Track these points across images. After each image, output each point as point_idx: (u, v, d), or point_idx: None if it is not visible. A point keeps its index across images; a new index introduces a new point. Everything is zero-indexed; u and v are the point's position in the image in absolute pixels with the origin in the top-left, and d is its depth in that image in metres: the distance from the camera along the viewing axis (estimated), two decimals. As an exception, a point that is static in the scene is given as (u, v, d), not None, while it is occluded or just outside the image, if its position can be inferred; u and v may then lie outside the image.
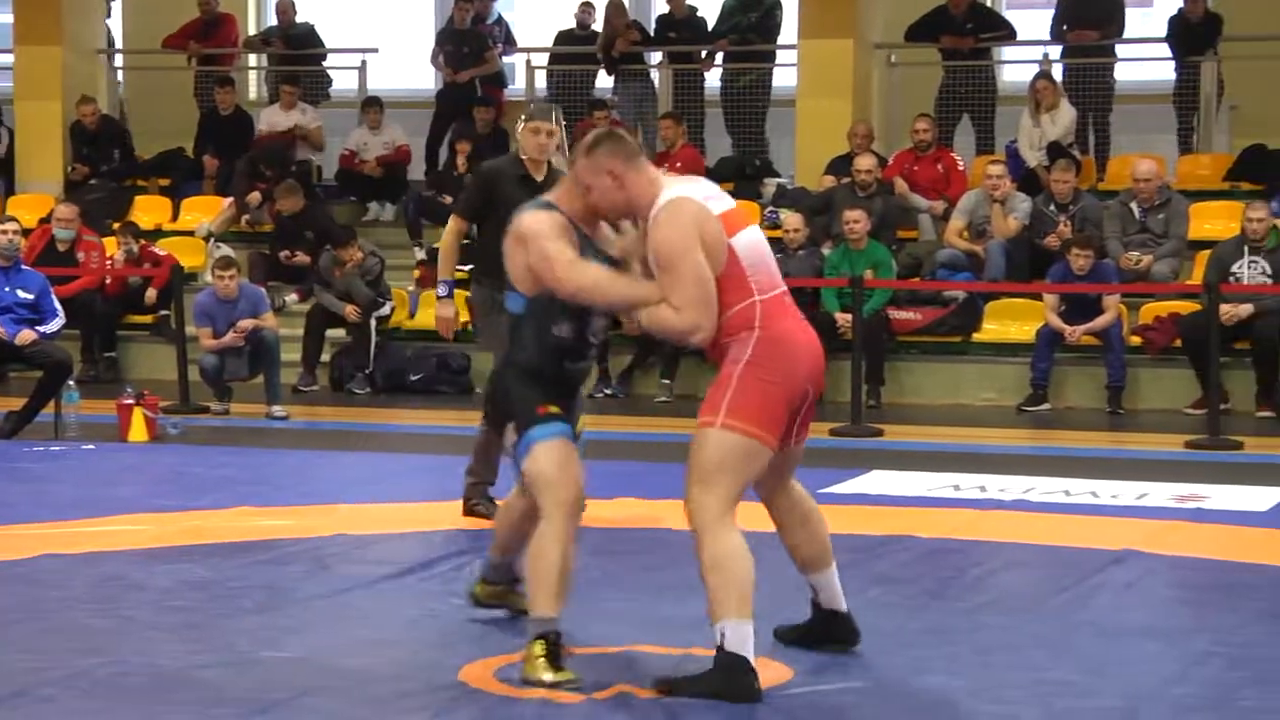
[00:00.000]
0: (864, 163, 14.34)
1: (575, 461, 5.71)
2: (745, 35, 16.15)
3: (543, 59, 17.53)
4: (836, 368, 13.21)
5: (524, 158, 8.07)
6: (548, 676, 5.44)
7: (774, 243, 13.87)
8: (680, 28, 16.67)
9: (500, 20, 17.61)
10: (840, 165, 14.94)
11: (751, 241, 5.42)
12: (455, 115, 16.81)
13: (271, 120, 16.90)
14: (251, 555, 7.53)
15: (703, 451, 5.40)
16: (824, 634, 5.90)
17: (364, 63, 17.64)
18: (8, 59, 17.50)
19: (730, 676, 5.25)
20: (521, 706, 5.29)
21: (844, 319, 13.00)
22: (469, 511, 8.33)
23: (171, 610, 6.54)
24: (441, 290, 8.35)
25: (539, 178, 7.98)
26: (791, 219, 13.95)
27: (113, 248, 14.92)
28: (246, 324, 12.60)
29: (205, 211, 16.31)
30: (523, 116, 8.21)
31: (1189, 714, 5.28)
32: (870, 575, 7.16)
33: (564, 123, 8.22)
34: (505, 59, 17.78)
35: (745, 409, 5.32)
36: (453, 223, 8.27)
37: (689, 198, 5.35)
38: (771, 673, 5.60)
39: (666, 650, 5.93)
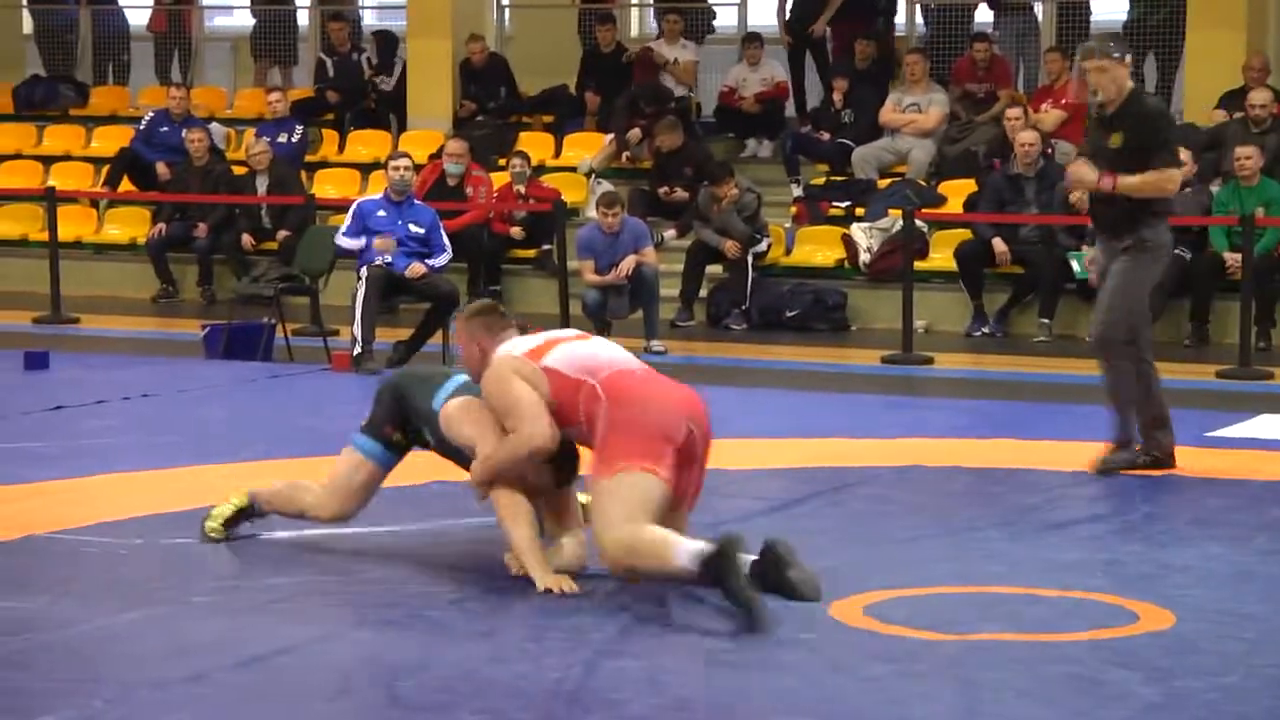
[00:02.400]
0: (1259, 97, 13.85)
1: None
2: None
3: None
4: (1224, 309, 12.88)
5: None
6: None
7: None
8: (1066, -41, 16.28)
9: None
10: (1232, 100, 14.43)
11: (565, 353, 5.92)
12: (800, 50, 16.81)
13: (658, 53, 17.03)
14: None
15: (601, 501, 5.71)
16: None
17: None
18: (401, -1, 18.09)
19: None
20: (892, 643, 5.29)
21: (1233, 259, 12.59)
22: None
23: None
24: None
25: (1108, 112, 7.91)
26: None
27: (504, 178, 15.27)
28: (629, 262, 12.79)
29: (587, 148, 16.57)
30: (1079, 56, 8.06)
31: None
32: (1259, 522, 6.97)
33: (1119, 54, 7.97)
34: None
35: (629, 452, 5.68)
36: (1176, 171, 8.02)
37: (499, 355, 5.97)
38: (1152, 618, 5.51)
39: (1044, 592, 5.86)
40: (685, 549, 5.56)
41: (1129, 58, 8.04)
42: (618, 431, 5.74)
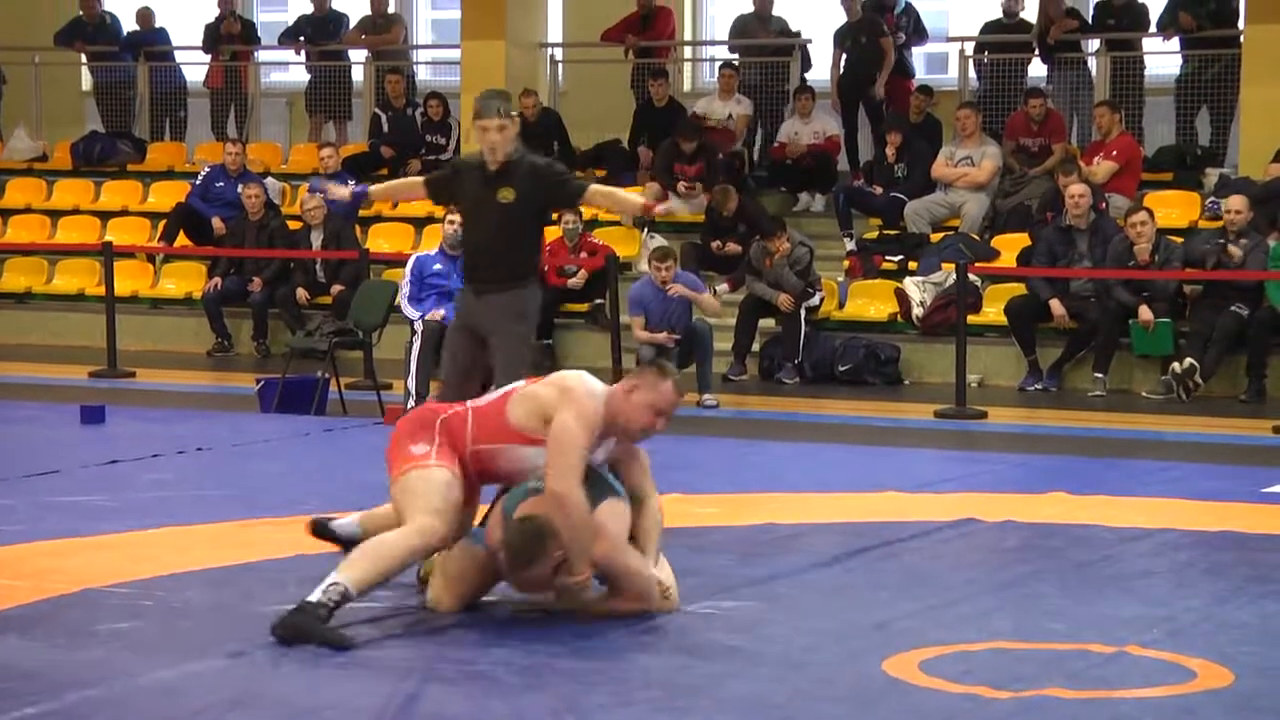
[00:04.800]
0: (1313, 150, 13.80)
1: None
2: (1201, 23, 15.64)
3: (980, 47, 17.33)
4: (1280, 363, 12.84)
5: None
6: None
7: (1218, 232, 13.50)
8: (1120, 14, 16.25)
9: (908, 9, 17.41)
10: (1289, 154, 14.38)
11: None
12: (853, 104, 16.86)
13: (709, 109, 17.09)
14: (677, 540, 7.61)
15: None
16: None
17: (795, 50, 17.72)
18: (456, 54, 18.16)
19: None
20: (947, 699, 5.26)
21: (1289, 313, 12.53)
22: None
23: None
24: None
25: (493, 169, 7.95)
26: (1234, 200, 13.44)
27: (556, 231, 15.30)
28: (706, 299, 12.88)
29: (639, 202, 16.56)
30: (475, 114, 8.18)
31: None
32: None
33: (516, 114, 8.08)
34: (917, 49, 17.66)
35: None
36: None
37: None
38: (1210, 676, 5.47)
39: (1099, 648, 5.82)
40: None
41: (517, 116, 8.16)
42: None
